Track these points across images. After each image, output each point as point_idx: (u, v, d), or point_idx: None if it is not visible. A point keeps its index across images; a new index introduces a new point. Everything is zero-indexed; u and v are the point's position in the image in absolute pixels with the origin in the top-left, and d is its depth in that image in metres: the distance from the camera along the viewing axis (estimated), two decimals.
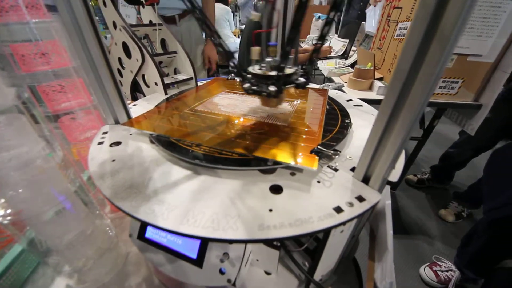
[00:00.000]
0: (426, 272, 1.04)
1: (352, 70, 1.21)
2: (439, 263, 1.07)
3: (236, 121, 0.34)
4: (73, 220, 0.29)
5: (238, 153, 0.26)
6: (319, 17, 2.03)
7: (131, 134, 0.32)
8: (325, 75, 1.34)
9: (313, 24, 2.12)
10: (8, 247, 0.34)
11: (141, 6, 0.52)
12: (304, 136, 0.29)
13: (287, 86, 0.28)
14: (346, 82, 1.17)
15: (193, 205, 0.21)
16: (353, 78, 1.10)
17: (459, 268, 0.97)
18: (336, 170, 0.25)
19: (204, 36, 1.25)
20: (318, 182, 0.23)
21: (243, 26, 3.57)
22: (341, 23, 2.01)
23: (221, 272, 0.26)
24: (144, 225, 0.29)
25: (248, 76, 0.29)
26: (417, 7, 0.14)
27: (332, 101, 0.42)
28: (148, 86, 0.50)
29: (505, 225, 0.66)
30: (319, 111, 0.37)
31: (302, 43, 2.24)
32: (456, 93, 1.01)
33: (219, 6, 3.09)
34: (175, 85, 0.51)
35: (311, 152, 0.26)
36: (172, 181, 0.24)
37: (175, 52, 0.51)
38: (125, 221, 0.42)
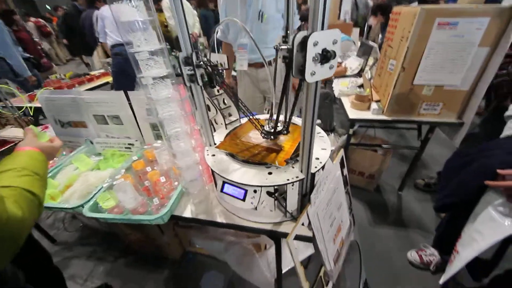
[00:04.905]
0: (411, 255, 1.30)
1: (361, 90, 1.50)
2: (425, 249, 1.30)
3: (259, 146, 0.78)
4: (199, 183, 0.78)
5: (258, 159, 0.71)
6: None
7: (217, 151, 0.79)
8: (336, 95, 1.65)
9: None
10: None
11: None
12: (284, 153, 0.72)
13: (277, 134, 0.72)
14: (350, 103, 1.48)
15: (241, 175, 0.66)
16: (354, 101, 1.42)
17: (439, 253, 1.21)
18: (293, 167, 0.67)
19: None
20: (285, 172, 0.66)
21: None
22: (360, 42, 2.26)
23: (251, 203, 0.70)
24: (223, 185, 0.76)
25: (262, 130, 0.74)
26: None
27: None
28: (216, 124, 0.99)
29: (447, 211, 0.94)
30: (297, 140, 0.78)
31: None
32: (439, 113, 1.25)
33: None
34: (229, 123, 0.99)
35: (284, 160, 0.68)
36: (233, 168, 0.70)
37: (230, 106, 1.00)
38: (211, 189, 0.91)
